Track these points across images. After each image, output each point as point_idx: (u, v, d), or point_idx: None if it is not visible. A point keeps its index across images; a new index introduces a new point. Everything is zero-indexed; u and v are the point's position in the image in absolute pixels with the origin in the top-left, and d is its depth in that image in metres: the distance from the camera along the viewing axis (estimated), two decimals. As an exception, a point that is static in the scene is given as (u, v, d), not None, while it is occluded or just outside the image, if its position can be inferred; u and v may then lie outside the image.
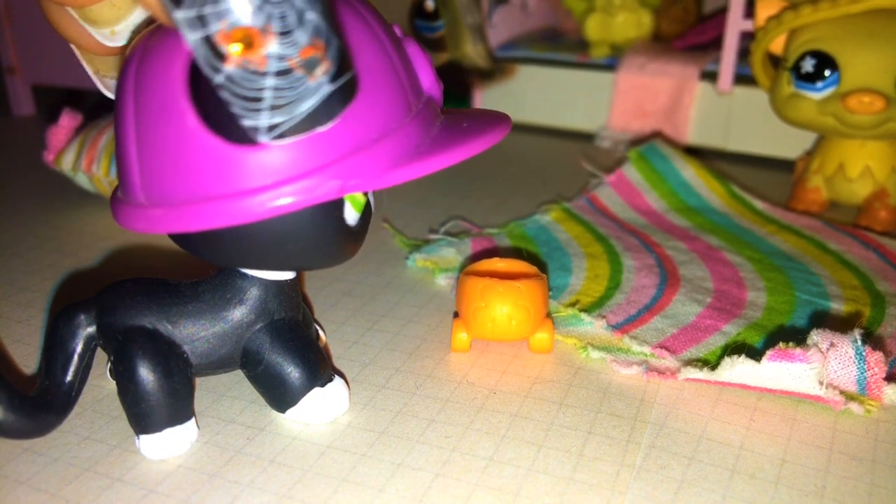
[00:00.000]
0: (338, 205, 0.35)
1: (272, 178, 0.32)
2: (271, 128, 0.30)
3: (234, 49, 0.28)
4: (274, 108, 0.30)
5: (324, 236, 0.35)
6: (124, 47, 0.37)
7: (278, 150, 0.31)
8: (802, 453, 0.37)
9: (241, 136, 0.31)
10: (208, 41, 0.28)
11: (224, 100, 0.30)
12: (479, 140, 0.35)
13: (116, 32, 0.37)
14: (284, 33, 0.28)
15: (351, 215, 0.36)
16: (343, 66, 0.31)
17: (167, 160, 0.32)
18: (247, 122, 0.30)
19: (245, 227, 0.33)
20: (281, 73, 0.29)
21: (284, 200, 0.32)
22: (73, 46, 0.38)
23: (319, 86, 0.30)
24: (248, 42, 0.28)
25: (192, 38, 0.28)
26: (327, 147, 0.32)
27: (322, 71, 0.30)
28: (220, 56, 0.28)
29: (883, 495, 0.34)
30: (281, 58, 0.29)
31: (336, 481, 0.35)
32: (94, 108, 0.74)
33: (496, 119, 0.37)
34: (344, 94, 0.31)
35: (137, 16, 0.36)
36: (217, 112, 0.31)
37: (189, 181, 0.32)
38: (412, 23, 0.96)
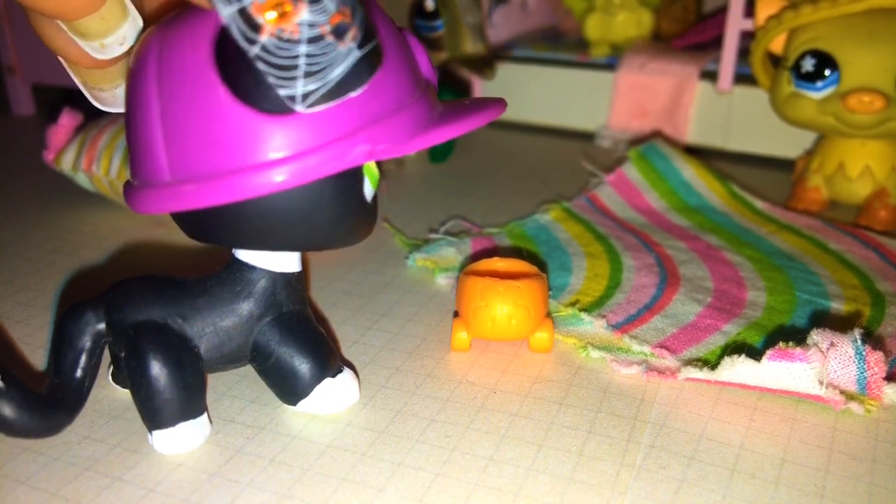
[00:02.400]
0: (359, 177, 0.36)
1: (304, 145, 0.32)
2: (306, 96, 0.31)
3: (269, 16, 0.29)
4: (308, 74, 0.31)
5: (346, 210, 0.36)
6: (113, 60, 0.37)
7: (311, 118, 0.32)
8: (802, 453, 0.37)
9: (272, 107, 0.32)
10: (243, 13, 0.29)
11: (255, 71, 0.31)
12: (484, 113, 0.36)
13: (106, 45, 0.37)
14: (314, 1, 0.30)
15: (368, 190, 0.37)
16: (368, 33, 0.32)
17: (198, 135, 0.33)
18: (283, 92, 0.31)
19: (272, 200, 0.34)
20: (313, 40, 0.30)
21: (318, 166, 0.32)
22: (61, 59, 0.38)
23: (349, 51, 0.31)
24: (281, 11, 0.29)
25: (227, 11, 0.29)
26: (357, 113, 0.33)
27: (351, 37, 0.31)
28: (255, 27, 0.30)
29: (883, 495, 0.34)
30: (312, 25, 0.30)
31: (336, 480, 0.35)
32: (94, 108, 0.74)
33: (492, 100, 0.38)
34: (371, 60, 0.33)
35: (127, 28, 0.36)
36: (247, 85, 0.32)
37: (221, 154, 0.32)
38: (412, 22, 0.96)
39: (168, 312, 0.37)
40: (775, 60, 0.69)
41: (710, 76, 0.83)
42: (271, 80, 0.31)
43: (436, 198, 0.72)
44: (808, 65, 0.63)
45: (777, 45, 0.68)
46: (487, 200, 0.72)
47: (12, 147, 0.92)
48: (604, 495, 0.34)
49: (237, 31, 0.30)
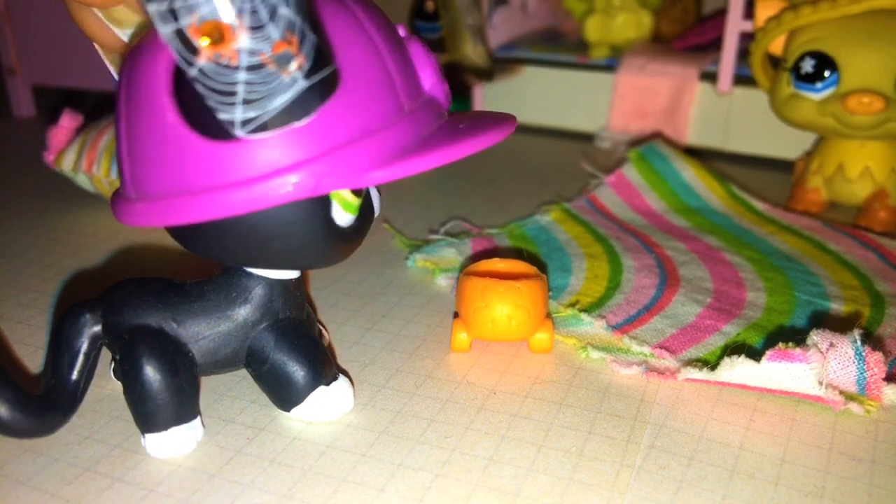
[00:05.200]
0: (323, 204, 0.34)
1: (247, 173, 0.32)
2: (245, 122, 0.31)
3: (203, 43, 0.28)
4: (247, 102, 0.30)
5: (310, 236, 0.35)
6: None
7: (253, 145, 0.31)
8: (802, 453, 0.37)
9: (218, 132, 0.31)
10: (180, 35, 0.28)
11: (200, 94, 0.30)
12: (471, 142, 0.34)
13: (131, 37, 0.37)
14: (256, 28, 0.28)
15: (341, 216, 0.35)
16: (320, 61, 0.31)
17: (151, 154, 0.33)
18: (222, 116, 0.31)
19: (230, 223, 0.33)
20: (253, 68, 0.29)
21: (259, 195, 0.31)
22: (97, 47, 0.39)
23: (293, 81, 0.30)
24: (219, 36, 0.28)
25: (164, 31, 0.28)
26: (304, 143, 0.32)
27: (296, 66, 0.30)
28: (193, 50, 0.29)
29: (882, 495, 0.34)
30: (252, 52, 0.29)
31: (336, 481, 0.36)
32: (95, 109, 0.74)
33: (497, 121, 0.36)
34: (321, 90, 0.31)
35: None
36: (197, 108, 0.31)
37: (169, 175, 0.33)
38: (412, 23, 0.96)
39: (164, 316, 0.37)
40: (775, 62, 0.70)
41: (710, 77, 0.83)
42: (211, 103, 0.30)
43: (436, 199, 0.72)
44: (808, 66, 0.63)
45: (776, 46, 0.68)
46: (487, 201, 0.72)
47: (13, 148, 0.92)
48: (604, 496, 0.34)
49: (175, 51, 0.29)
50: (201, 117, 0.31)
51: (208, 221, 0.33)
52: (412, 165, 0.33)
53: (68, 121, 0.68)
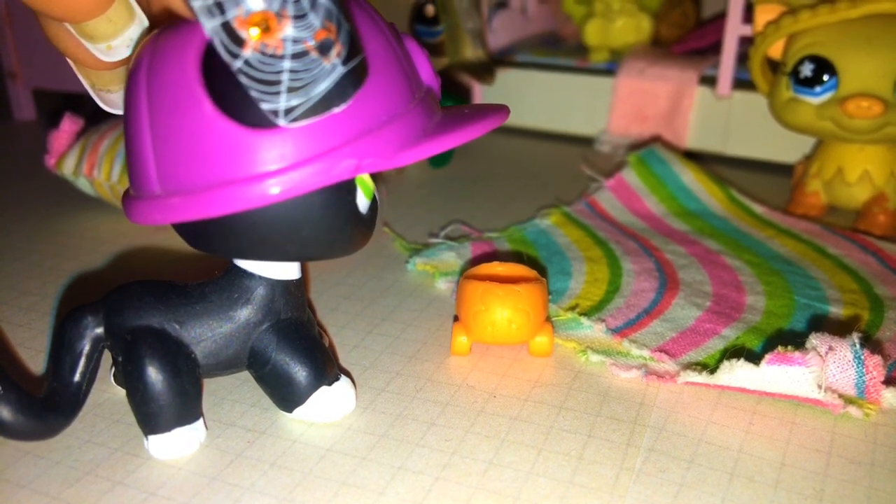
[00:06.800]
0: (350, 189, 0.36)
1: (289, 160, 0.32)
2: (288, 111, 0.31)
3: (252, 33, 0.29)
4: (291, 90, 0.31)
5: (337, 222, 0.36)
6: (121, 62, 0.38)
7: (295, 133, 0.32)
8: (801, 457, 0.37)
9: (257, 121, 0.32)
10: (226, 27, 0.29)
11: (241, 85, 0.30)
12: (482, 123, 0.36)
13: (113, 47, 0.37)
14: (299, 17, 0.29)
15: (362, 202, 0.37)
16: (354, 48, 0.32)
17: (184, 148, 0.33)
18: (265, 106, 0.31)
19: (261, 213, 0.34)
20: (297, 56, 0.30)
21: (303, 181, 0.32)
22: (69, 60, 0.39)
23: (334, 67, 0.31)
24: (266, 26, 0.29)
25: (210, 25, 0.29)
26: (342, 128, 0.33)
27: (335, 53, 0.31)
28: (239, 41, 0.29)
29: (881, 498, 0.34)
30: (296, 41, 0.30)
31: (336, 484, 0.36)
32: (96, 113, 0.74)
33: (495, 108, 0.38)
34: (356, 75, 0.32)
35: (133, 31, 0.37)
36: (232, 98, 0.32)
37: (207, 167, 0.33)
38: (412, 27, 0.96)
39: (166, 318, 0.38)
40: (774, 66, 0.70)
41: (710, 81, 0.83)
42: (254, 94, 0.31)
43: (436, 202, 0.72)
44: (807, 70, 0.63)
45: (776, 50, 0.68)
46: (487, 205, 0.72)
47: (13, 152, 0.92)
48: (603, 499, 0.34)
49: (220, 44, 0.30)
50: (239, 108, 0.32)
51: (240, 213, 0.33)
52: (437, 145, 0.34)
53: (69, 125, 0.68)
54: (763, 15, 0.68)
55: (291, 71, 0.30)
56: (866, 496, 0.34)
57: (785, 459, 0.37)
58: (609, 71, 0.89)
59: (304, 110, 0.31)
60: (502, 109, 0.38)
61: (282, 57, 0.30)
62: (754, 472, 0.36)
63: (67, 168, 0.67)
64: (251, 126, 0.32)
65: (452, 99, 0.83)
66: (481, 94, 0.95)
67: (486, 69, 0.88)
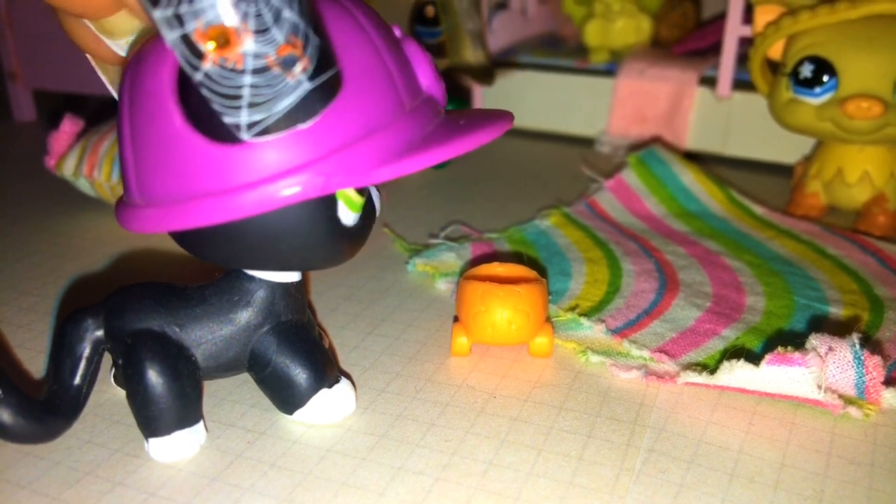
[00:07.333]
0: (329, 203, 0.35)
1: (255, 175, 0.32)
2: (251, 125, 0.31)
3: (209, 47, 0.29)
4: (252, 105, 0.30)
5: (317, 236, 0.35)
6: None
7: (260, 148, 0.32)
8: (801, 457, 0.37)
9: (224, 135, 0.31)
10: (186, 40, 0.29)
11: (205, 98, 0.30)
12: (472, 137, 0.34)
13: (131, 43, 0.37)
14: (260, 31, 0.29)
15: (346, 215, 0.36)
16: (323, 63, 0.31)
17: (157, 160, 0.33)
18: (228, 119, 0.31)
19: (237, 226, 0.34)
20: (258, 71, 0.30)
21: (268, 197, 0.32)
22: (89, 57, 0.39)
23: (298, 83, 0.30)
24: (224, 40, 0.29)
25: (170, 36, 0.29)
26: (310, 144, 0.32)
27: (300, 69, 0.30)
28: (198, 54, 0.29)
29: (881, 499, 0.34)
30: (257, 56, 0.29)
31: (336, 485, 0.36)
32: (96, 114, 0.74)
33: (496, 116, 0.37)
34: (325, 91, 0.32)
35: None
36: (202, 112, 0.31)
37: (176, 180, 0.33)
38: (413, 28, 0.96)
39: (166, 320, 0.38)
40: (774, 66, 0.70)
41: (709, 82, 0.83)
42: (217, 107, 0.30)
43: (436, 203, 0.72)
44: (807, 71, 0.63)
45: (775, 51, 0.68)
46: (487, 206, 0.72)
47: (13, 153, 0.92)
48: (603, 499, 0.34)
49: (181, 56, 0.29)
50: (207, 121, 0.31)
51: (216, 225, 0.33)
52: (416, 162, 0.33)
53: (69, 125, 0.69)
54: (763, 16, 0.68)
55: (253, 86, 0.30)
56: (866, 497, 0.34)
57: (785, 460, 0.37)
58: (609, 72, 0.89)
59: (267, 125, 0.31)
60: (501, 119, 0.36)
61: (242, 72, 0.29)
62: (754, 472, 0.36)
63: (68, 169, 0.68)
64: (218, 140, 0.32)
65: (453, 101, 0.83)
66: (481, 95, 0.95)
67: (485, 71, 0.88)
